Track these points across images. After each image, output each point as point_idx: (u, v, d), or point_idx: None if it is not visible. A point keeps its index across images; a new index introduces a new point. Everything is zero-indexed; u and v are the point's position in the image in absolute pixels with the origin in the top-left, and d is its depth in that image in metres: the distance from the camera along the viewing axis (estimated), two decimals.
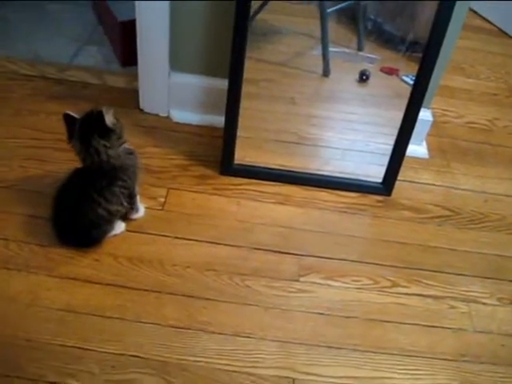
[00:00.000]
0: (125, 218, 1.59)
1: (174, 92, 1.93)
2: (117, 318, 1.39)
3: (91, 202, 1.45)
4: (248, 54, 1.62)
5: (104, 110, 1.40)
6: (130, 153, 1.52)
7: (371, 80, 2.03)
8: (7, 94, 1.99)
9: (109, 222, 1.51)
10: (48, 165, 1.73)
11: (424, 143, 2.02)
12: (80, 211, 1.46)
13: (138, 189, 1.57)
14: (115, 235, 1.56)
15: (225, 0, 1.69)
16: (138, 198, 1.59)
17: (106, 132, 1.42)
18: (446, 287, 1.59)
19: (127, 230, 1.58)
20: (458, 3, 1.51)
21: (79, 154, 1.46)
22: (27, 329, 1.34)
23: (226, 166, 1.79)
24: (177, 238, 1.60)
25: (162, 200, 1.69)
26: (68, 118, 1.45)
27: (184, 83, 1.91)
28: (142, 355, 1.32)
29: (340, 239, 1.68)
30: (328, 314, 1.48)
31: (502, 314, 1.54)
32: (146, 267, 1.51)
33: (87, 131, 1.42)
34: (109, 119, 1.41)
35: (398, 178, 1.80)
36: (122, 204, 1.51)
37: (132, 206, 1.57)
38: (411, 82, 1.69)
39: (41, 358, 1.29)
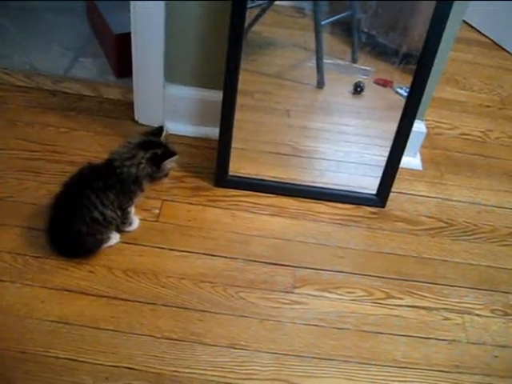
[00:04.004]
0: (119, 229, 1.59)
1: (168, 104, 1.94)
2: (111, 330, 1.39)
3: (88, 203, 1.45)
4: (243, 65, 1.63)
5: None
6: (142, 189, 1.55)
7: (365, 92, 2.04)
8: (2, 106, 1.99)
9: (104, 230, 1.51)
10: (42, 176, 1.73)
11: (418, 155, 2.03)
12: (77, 213, 1.45)
13: (132, 207, 1.58)
14: (110, 246, 1.56)
15: (220, 12, 1.70)
16: (133, 211, 1.59)
17: (158, 164, 1.50)
18: (440, 299, 1.59)
19: (122, 242, 1.58)
20: (451, 15, 1.52)
21: (127, 147, 1.51)
22: (21, 341, 1.34)
23: (221, 177, 1.80)
24: (171, 249, 1.60)
25: (157, 212, 1.70)
26: (156, 130, 1.56)
27: (179, 95, 1.92)
28: (135, 367, 1.32)
29: (334, 251, 1.68)
30: (322, 326, 1.48)
31: (496, 326, 1.55)
32: (140, 279, 1.51)
33: (153, 147, 1.51)
34: (165, 139, 1.55)
35: (392, 189, 1.81)
36: (115, 212, 1.51)
37: (124, 220, 1.57)
38: (405, 94, 1.70)
39: (34, 370, 1.29)
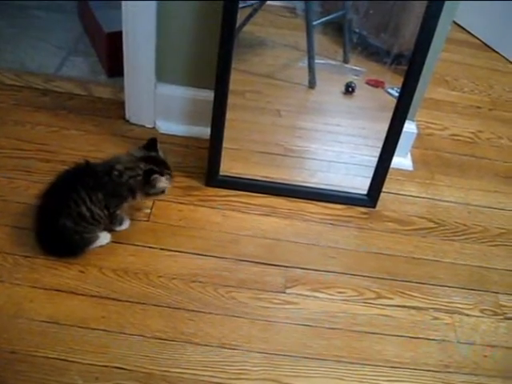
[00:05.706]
0: (110, 229, 1.58)
1: (160, 103, 1.93)
2: (101, 330, 1.38)
3: (77, 197, 1.45)
4: (234, 65, 1.63)
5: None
6: (134, 197, 1.56)
7: (357, 92, 2.05)
8: None
9: (91, 229, 1.50)
10: (33, 176, 1.72)
11: (409, 155, 2.03)
12: (64, 206, 1.45)
13: (119, 211, 1.57)
14: (101, 246, 1.55)
15: (212, 11, 1.70)
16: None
17: (147, 178, 1.52)
18: (430, 298, 1.60)
19: (113, 242, 1.58)
20: (442, 15, 1.53)
21: (130, 158, 1.55)
22: (11, 341, 1.33)
23: (212, 177, 1.80)
24: (162, 249, 1.59)
25: (148, 211, 1.69)
26: (152, 142, 1.59)
27: (170, 94, 1.92)
28: (126, 367, 1.32)
29: (325, 251, 1.68)
30: (313, 326, 1.48)
31: (485, 326, 1.55)
32: (131, 279, 1.50)
33: (153, 163, 1.54)
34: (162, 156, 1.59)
35: (383, 189, 1.82)
36: (103, 211, 1.51)
37: (112, 221, 1.57)
38: (396, 95, 1.70)
39: (24, 370, 1.28)
